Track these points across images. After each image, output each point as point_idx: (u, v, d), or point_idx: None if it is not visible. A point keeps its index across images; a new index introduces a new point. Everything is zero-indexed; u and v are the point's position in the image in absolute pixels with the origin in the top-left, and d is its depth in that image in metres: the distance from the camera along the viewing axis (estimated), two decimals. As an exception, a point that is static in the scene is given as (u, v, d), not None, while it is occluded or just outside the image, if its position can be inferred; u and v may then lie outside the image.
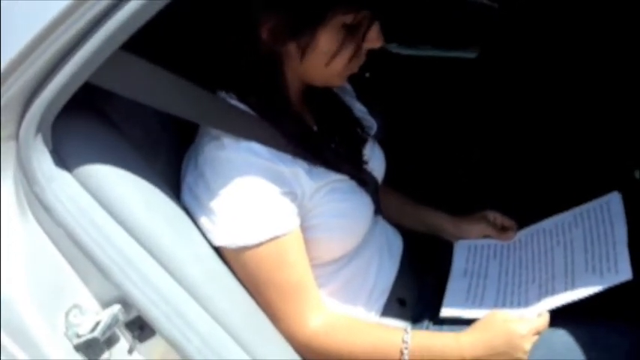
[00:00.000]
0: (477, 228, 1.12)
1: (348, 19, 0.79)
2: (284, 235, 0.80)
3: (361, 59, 0.86)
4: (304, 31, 0.79)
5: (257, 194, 0.79)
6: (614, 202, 1.03)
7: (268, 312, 0.83)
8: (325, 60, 0.82)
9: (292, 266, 0.83)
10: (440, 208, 1.16)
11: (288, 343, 0.83)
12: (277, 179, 0.80)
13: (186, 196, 0.83)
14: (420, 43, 1.68)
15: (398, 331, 0.85)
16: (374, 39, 0.83)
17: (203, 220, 0.80)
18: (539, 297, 0.93)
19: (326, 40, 0.80)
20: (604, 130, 1.46)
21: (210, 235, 0.80)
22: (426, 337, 0.87)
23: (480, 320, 0.86)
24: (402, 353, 0.83)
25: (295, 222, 0.83)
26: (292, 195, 0.82)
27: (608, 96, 1.47)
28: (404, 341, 0.83)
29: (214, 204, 0.78)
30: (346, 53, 0.82)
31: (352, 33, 0.81)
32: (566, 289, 0.91)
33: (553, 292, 0.92)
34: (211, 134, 0.81)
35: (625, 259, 0.89)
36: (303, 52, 0.81)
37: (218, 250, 0.81)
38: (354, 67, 0.86)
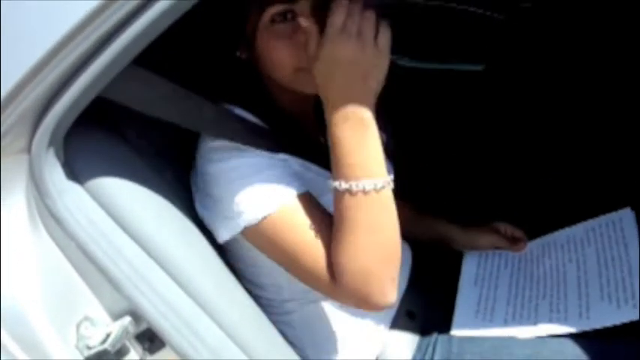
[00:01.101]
0: (487, 239, 1.12)
1: (275, 9, 0.77)
2: (302, 194, 0.77)
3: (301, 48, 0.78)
4: (241, 32, 0.80)
5: (262, 165, 0.77)
6: (626, 220, 1.02)
7: (319, 273, 0.75)
8: (270, 63, 0.82)
9: (326, 218, 0.77)
10: (450, 219, 1.16)
11: (349, 295, 0.75)
12: (277, 163, 0.80)
13: (197, 200, 0.83)
14: (427, 57, 1.69)
15: (337, 192, 0.74)
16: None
17: (222, 211, 0.78)
18: (550, 316, 0.93)
19: (260, 39, 0.80)
20: (614, 140, 1.46)
21: (233, 223, 0.77)
22: (334, 159, 0.74)
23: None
24: (351, 192, 0.72)
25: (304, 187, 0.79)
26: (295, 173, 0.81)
27: (618, 106, 1.47)
28: (348, 187, 0.72)
29: (226, 191, 0.77)
30: (281, 44, 0.79)
31: (288, 29, 0.79)
32: (580, 316, 0.90)
33: (566, 314, 0.92)
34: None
35: None
36: (254, 56, 0.82)
37: (228, 260, 0.81)
38: (302, 59, 0.78)
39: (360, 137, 0.71)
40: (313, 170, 0.85)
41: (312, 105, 0.91)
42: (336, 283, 0.74)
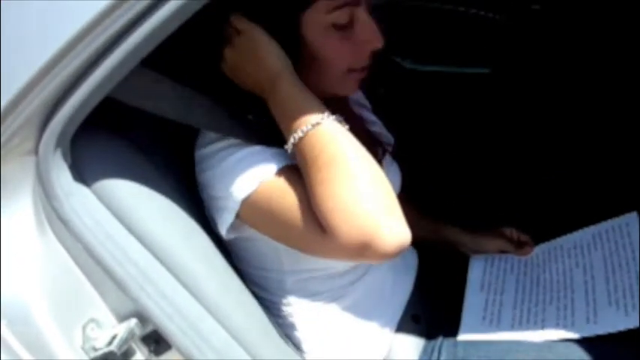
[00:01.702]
0: (493, 243, 1.12)
1: (337, 18, 0.77)
2: (292, 164, 0.76)
3: (364, 61, 0.82)
4: (289, 35, 0.77)
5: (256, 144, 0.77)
6: (633, 224, 1.02)
7: (309, 235, 0.73)
8: (322, 65, 0.80)
9: None
10: (456, 223, 1.16)
11: (356, 241, 0.69)
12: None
13: (203, 198, 0.82)
14: (434, 59, 1.68)
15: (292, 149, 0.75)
16: (371, 39, 0.79)
17: (221, 193, 0.77)
18: (557, 320, 0.92)
19: (316, 42, 0.78)
20: (620, 143, 1.45)
21: (231, 200, 0.76)
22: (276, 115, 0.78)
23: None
24: (294, 142, 0.73)
25: None
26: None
27: (626, 109, 1.46)
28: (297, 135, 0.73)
29: (221, 173, 0.77)
30: (342, 55, 0.80)
31: (346, 33, 0.78)
32: (587, 321, 0.90)
33: (573, 319, 0.91)
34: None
35: None
36: (297, 59, 0.78)
37: (233, 264, 0.81)
38: (359, 72, 0.83)
39: (277, 102, 0.76)
40: None
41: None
42: (330, 236, 0.69)
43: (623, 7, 1.42)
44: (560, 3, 1.55)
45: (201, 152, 0.81)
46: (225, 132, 0.79)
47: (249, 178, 0.75)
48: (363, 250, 0.68)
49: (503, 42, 1.63)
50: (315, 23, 0.77)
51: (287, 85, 0.75)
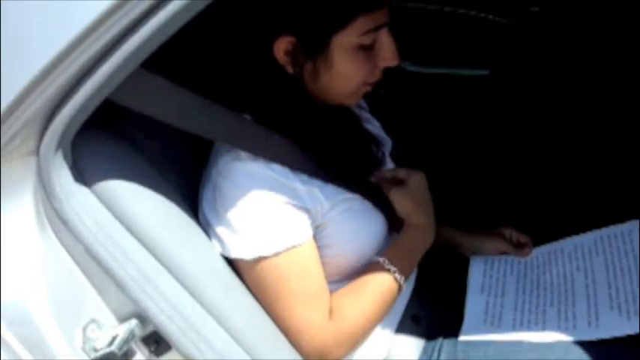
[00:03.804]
0: (493, 244, 1.12)
1: (365, 39, 0.79)
2: (301, 244, 0.80)
3: (376, 77, 0.86)
4: (319, 52, 0.79)
5: (273, 205, 0.79)
6: (635, 232, 1.02)
7: (288, 324, 0.82)
8: (341, 80, 0.82)
9: (311, 275, 0.83)
10: (455, 224, 1.16)
11: (310, 351, 0.82)
12: (292, 194, 0.80)
13: (203, 209, 0.83)
14: (434, 61, 1.69)
15: (378, 267, 0.88)
16: (390, 58, 0.83)
17: (220, 232, 0.80)
18: (559, 322, 0.92)
19: (342, 60, 0.80)
20: (622, 148, 1.46)
21: (227, 247, 0.80)
22: (396, 248, 0.92)
23: (409, 190, 0.92)
24: (396, 280, 0.88)
25: (310, 232, 0.83)
26: (306, 210, 0.82)
27: (627, 113, 1.46)
28: (388, 269, 0.88)
29: (231, 215, 0.78)
30: (362, 72, 0.82)
31: (368, 52, 0.81)
32: (589, 325, 0.90)
33: (574, 322, 0.92)
34: (227, 147, 0.81)
35: None
36: (319, 72, 0.81)
37: (233, 265, 0.82)
38: (370, 86, 0.87)
39: (418, 251, 0.94)
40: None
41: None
42: (326, 342, 0.82)
43: (622, 9, 1.43)
44: (558, 5, 1.55)
45: (225, 157, 0.81)
46: (232, 142, 0.80)
47: (266, 238, 0.79)
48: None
49: (502, 44, 1.64)
50: (345, 44, 0.79)
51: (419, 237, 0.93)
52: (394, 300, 0.89)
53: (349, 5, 0.76)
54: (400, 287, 0.88)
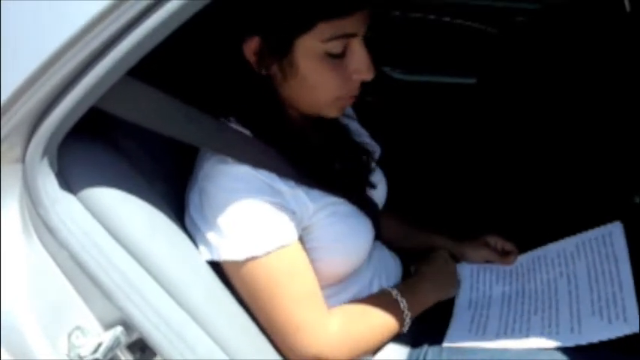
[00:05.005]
0: (478, 253, 1.13)
1: (331, 47, 0.77)
2: (290, 244, 0.80)
3: (353, 91, 0.83)
4: (283, 54, 0.78)
5: (260, 206, 0.78)
6: (616, 234, 1.03)
7: (285, 323, 0.81)
8: (311, 88, 0.81)
9: (304, 274, 0.82)
10: (440, 231, 1.16)
11: (308, 349, 0.82)
12: (278, 196, 0.80)
13: (190, 214, 0.83)
14: (421, 69, 1.70)
15: (389, 296, 0.94)
16: (361, 70, 0.80)
17: (209, 235, 0.79)
18: (542, 330, 0.93)
19: (307, 66, 0.78)
20: (604, 153, 1.47)
21: (216, 250, 0.79)
22: (408, 288, 0.98)
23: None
24: (403, 312, 0.93)
25: (296, 234, 0.82)
26: (292, 212, 0.81)
27: (609, 120, 1.48)
28: (399, 301, 0.93)
29: (219, 217, 0.78)
30: (332, 83, 0.81)
31: (337, 62, 0.79)
32: (572, 331, 0.91)
33: (557, 329, 0.92)
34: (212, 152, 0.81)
35: (633, 306, 0.89)
36: (286, 76, 0.80)
37: (218, 271, 0.82)
38: (347, 99, 0.85)
39: (431, 297, 1.01)
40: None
41: (311, 123, 0.92)
42: (321, 345, 0.83)
43: (608, 19, 1.44)
44: (544, 15, 1.57)
45: (210, 161, 0.81)
46: (217, 148, 0.80)
47: (255, 238, 0.78)
48: None
49: (489, 53, 1.65)
50: (309, 49, 0.77)
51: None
52: (390, 337, 0.94)
53: (310, 10, 0.75)
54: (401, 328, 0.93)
